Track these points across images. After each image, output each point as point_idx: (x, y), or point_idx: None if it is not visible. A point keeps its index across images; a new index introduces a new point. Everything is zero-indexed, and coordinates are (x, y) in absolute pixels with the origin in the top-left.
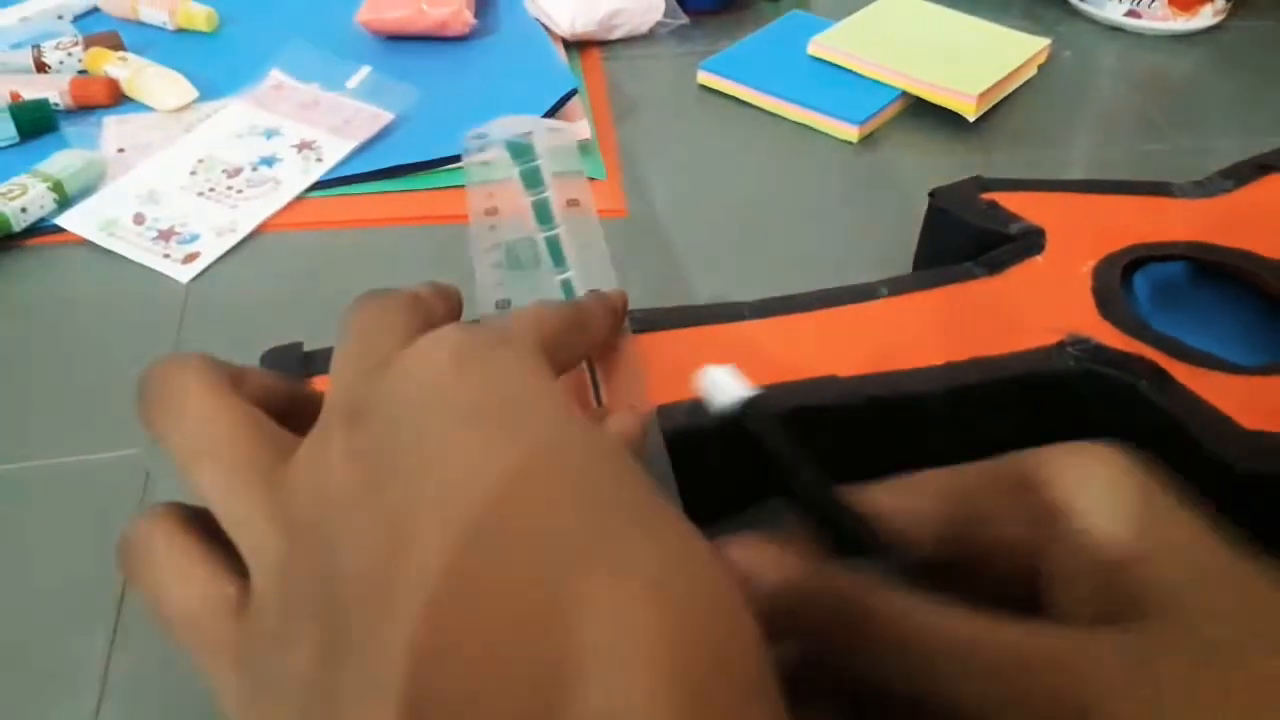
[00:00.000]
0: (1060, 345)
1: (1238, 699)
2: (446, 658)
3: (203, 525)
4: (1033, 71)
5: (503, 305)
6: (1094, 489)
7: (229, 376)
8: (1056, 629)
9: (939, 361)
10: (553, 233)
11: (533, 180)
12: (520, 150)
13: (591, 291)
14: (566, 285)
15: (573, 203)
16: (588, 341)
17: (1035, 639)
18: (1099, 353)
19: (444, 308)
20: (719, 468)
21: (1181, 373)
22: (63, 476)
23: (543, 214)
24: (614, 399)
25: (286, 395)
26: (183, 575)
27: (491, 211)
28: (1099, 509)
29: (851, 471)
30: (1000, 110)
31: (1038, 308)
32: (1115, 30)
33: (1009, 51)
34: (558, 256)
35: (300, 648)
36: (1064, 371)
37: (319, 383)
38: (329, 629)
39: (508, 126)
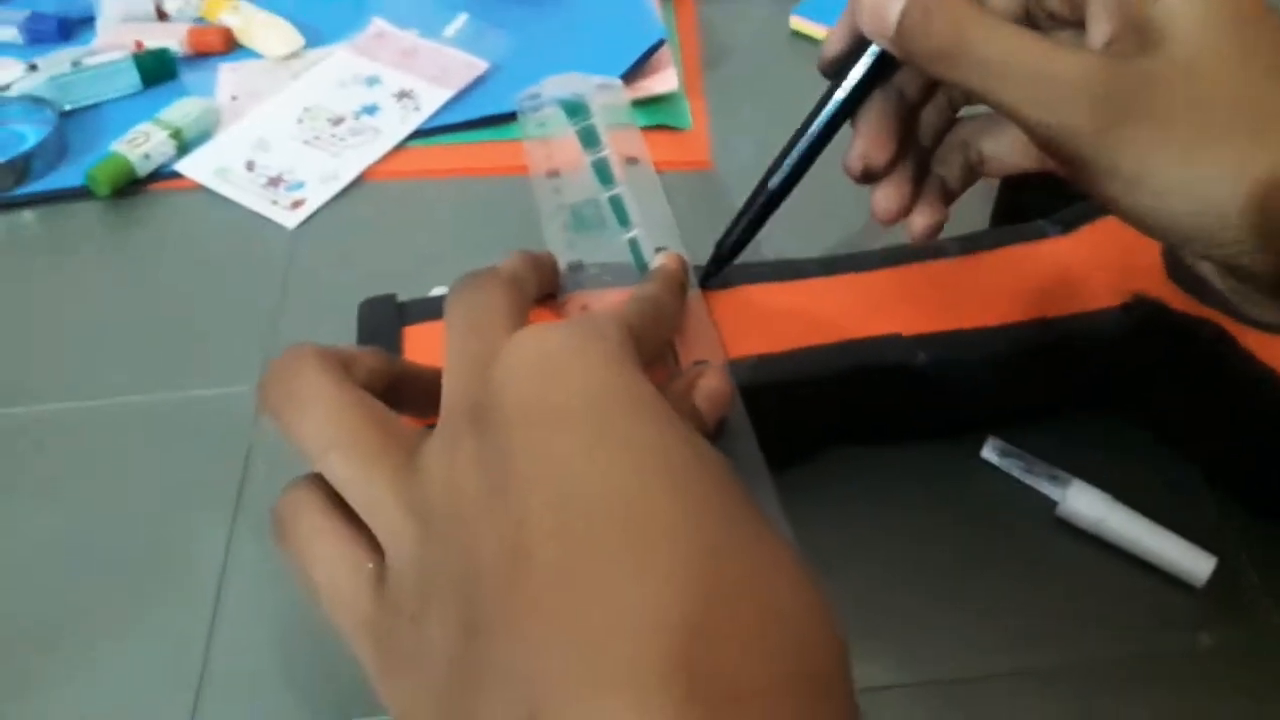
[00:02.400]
0: (1125, 307)
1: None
2: (555, 645)
3: (343, 502)
4: None
5: (575, 267)
6: None
7: (341, 364)
8: (1086, 56)
9: (1004, 321)
10: (615, 192)
11: (590, 139)
12: (574, 109)
13: (658, 250)
14: (633, 244)
15: (631, 160)
16: (668, 328)
17: (1068, 59)
18: (1162, 316)
19: (537, 279)
20: (782, 420)
21: (1248, 337)
22: (179, 408)
23: (603, 173)
24: (687, 355)
25: (389, 375)
26: (330, 547)
27: (553, 173)
28: None
29: (912, 428)
30: None
31: (1107, 268)
32: None
33: None
34: (622, 216)
35: (440, 627)
36: (1130, 333)
37: (413, 333)
38: (467, 615)
39: (560, 85)
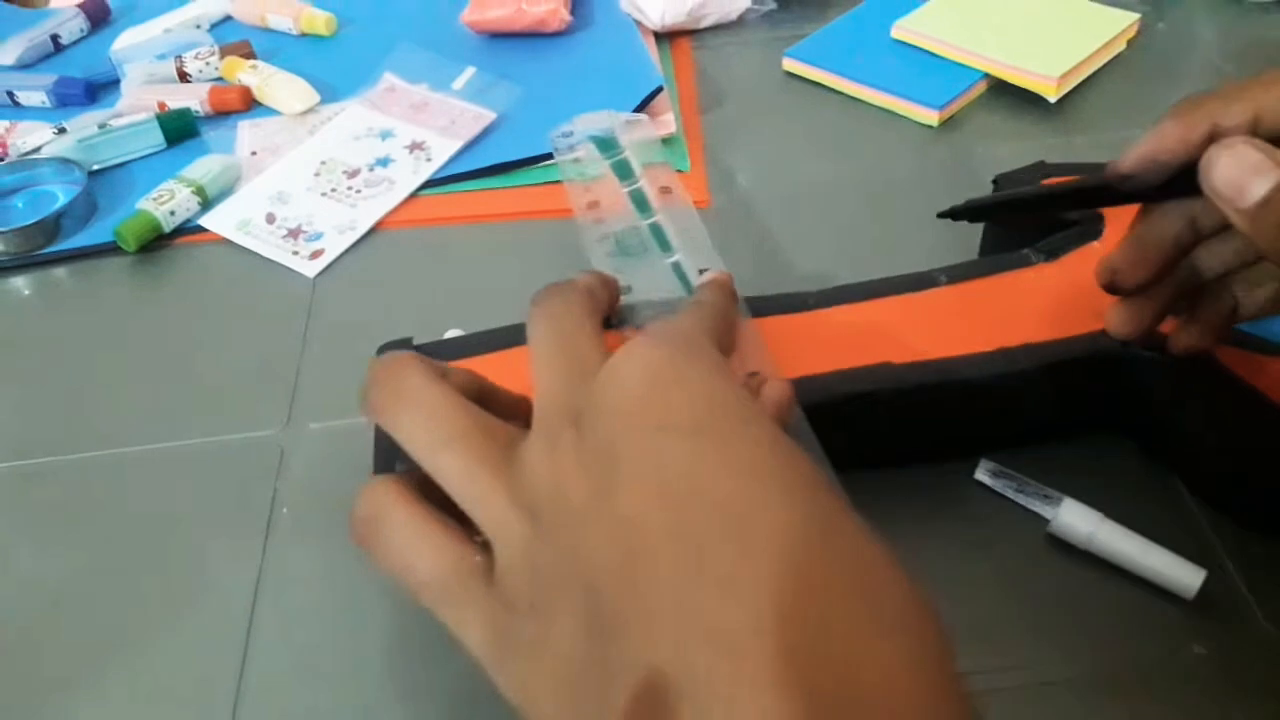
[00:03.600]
0: (1105, 330)
1: None
2: (683, 644)
3: (425, 498)
4: (1121, 47)
5: (625, 290)
6: None
7: (440, 372)
8: None
9: (993, 347)
10: (653, 219)
11: (624, 172)
12: (606, 144)
13: (702, 272)
14: (677, 268)
15: (665, 190)
16: (731, 336)
17: None
18: (1144, 338)
19: (608, 295)
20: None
21: (1226, 354)
22: (208, 453)
23: (640, 203)
24: (740, 367)
25: (476, 388)
26: (433, 544)
27: (593, 205)
28: None
29: (907, 451)
30: (1086, 88)
31: (1091, 293)
32: None
33: (1094, 29)
34: (663, 242)
35: (560, 621)
36: (1109, 355)
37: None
38: (587, 609)
39: (590, 122)
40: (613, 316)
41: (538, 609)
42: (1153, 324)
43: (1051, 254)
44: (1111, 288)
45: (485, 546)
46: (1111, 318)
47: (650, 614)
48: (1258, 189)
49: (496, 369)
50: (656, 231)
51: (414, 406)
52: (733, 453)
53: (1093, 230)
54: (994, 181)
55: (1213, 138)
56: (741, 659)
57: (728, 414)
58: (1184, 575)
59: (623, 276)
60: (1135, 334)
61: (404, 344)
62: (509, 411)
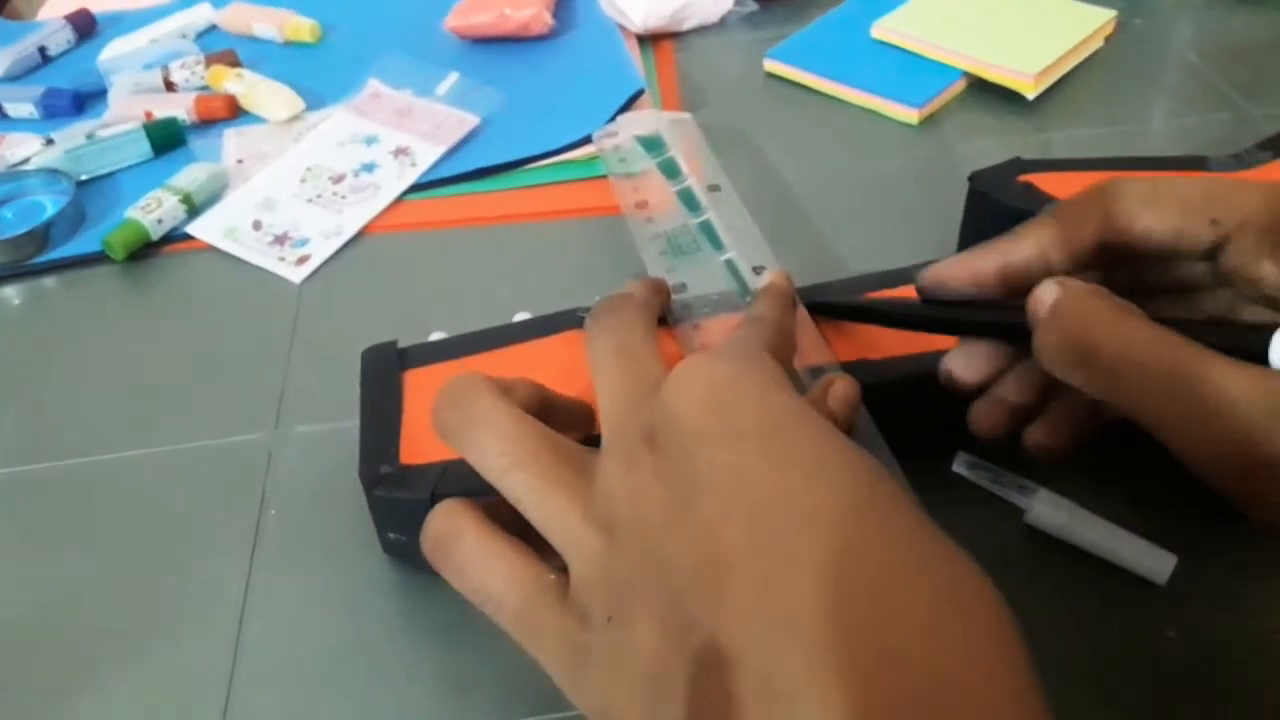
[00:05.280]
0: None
1: None
2: (757, 630)
3: (494, 520)
4: (1099, 44)
5: (679, 288)
6: None
7: (505, 391)
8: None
9: None
10: (703, 218)
11: (671, 171)
12: (651, 144)
13: (755, 269)
14: (730, 265)
15: (713, 188)
16: (791, 345)
17: (1222, 374)
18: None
19: (660, 302)
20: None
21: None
22: (197, 457)
23: (689, 201)
24: (801, 363)
25: (539, 400)
26: (507, 563)
27: (642, 205)
28: None
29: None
30: (1064, 85)
31: None
32: None
33: (1071, 26)
34: (714, 240)
35: (640, 629)
36: None
37: (413, 377)
38: (669, 615)
39: (634, 122)
40: (668, 316)
41: (616, 621)
42: (1012, 424)
43: None
44: (950, 385)
45: (558, 568)
46: (972, 418)
47: (728, 611)
48: (1047, 295)
49: (484, 370)
50: (707, 229)
51: (486, 429)
52: (799, 458)
53: None
54: (970, 178)
55: (1003, 271)
56: (805, 643)
57: (790, 422)
58: (1155, 562)
59: (676, 274)
60: (990, 434)
61: (389, 347)
62: (571, 419)
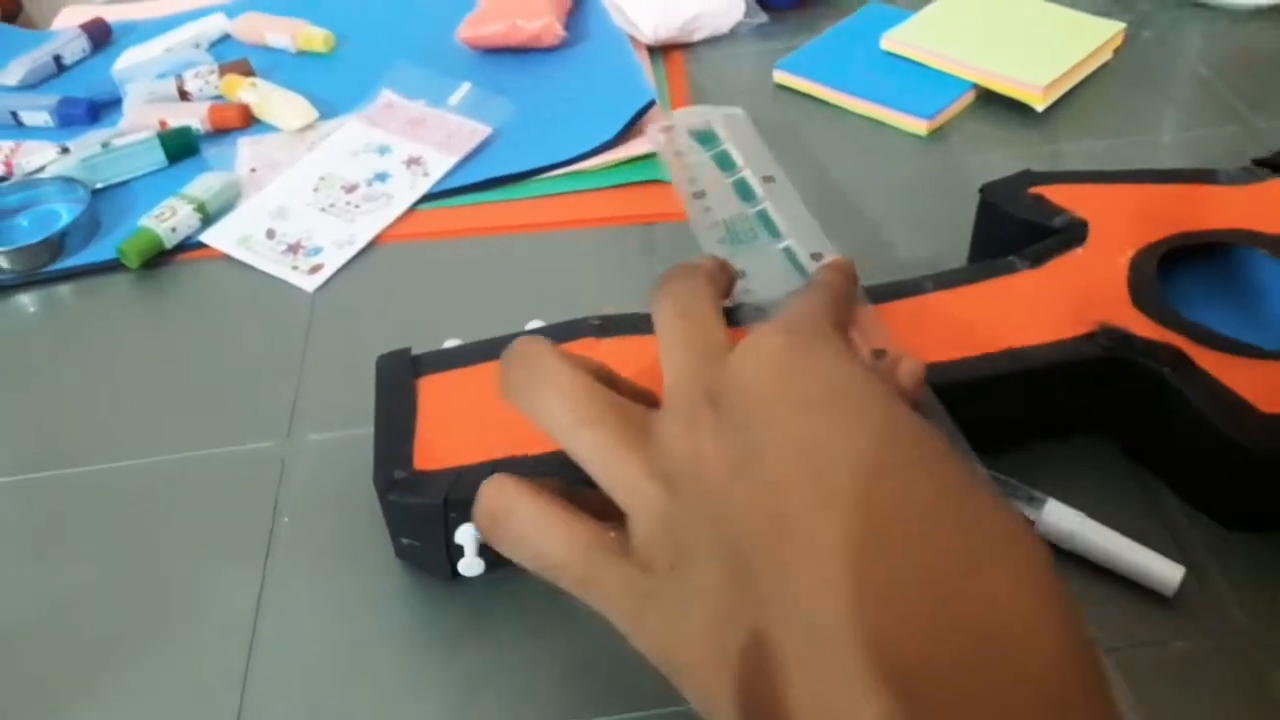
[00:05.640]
0: (1090, 335)
1: None
2: (841, 585)
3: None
4: (1108, 56)
5: (741, 275)
6: None
7: (571, 357)
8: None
9: (978, 352)
10: (759, 208)
11: (726, 163)
12: (705, 138)
13: (813, 256)
14: (788, 252)
15: (768, 179)
16: (852, 310)
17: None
18: (1126, 342)
19: (726, 279)
20: None
21: (1207, 359)
22: (211, 465)
23: (745, 192)
24: (863, 347)
25: (605, 377)
26: (566, 527)
27: (699, 195)
28: None
29: None
30: (1073, 97)
31: (1076, 299)
32: (1199, 6)
33: (1080, 38)
34: (772, 228)
35: (704, 573)
36: (1093, 360)
37: (427, 384)
38: (733, 565)
39: (689, 117)
40: (734, 315)
41: (679, 568)
42: None
43: (1036, 260)
44: None
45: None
46: None
47: (785, 565)
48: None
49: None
50: (764, 218)
51: (552, 388)
52: (867, 425)
53: (1078, 236)
54: (981, 190)
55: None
56: (868, 601)
57: (857, 390)
58: (1164, 572)
59: (735, 262)
60: None
61: (403, 354)
62: (634, 399)
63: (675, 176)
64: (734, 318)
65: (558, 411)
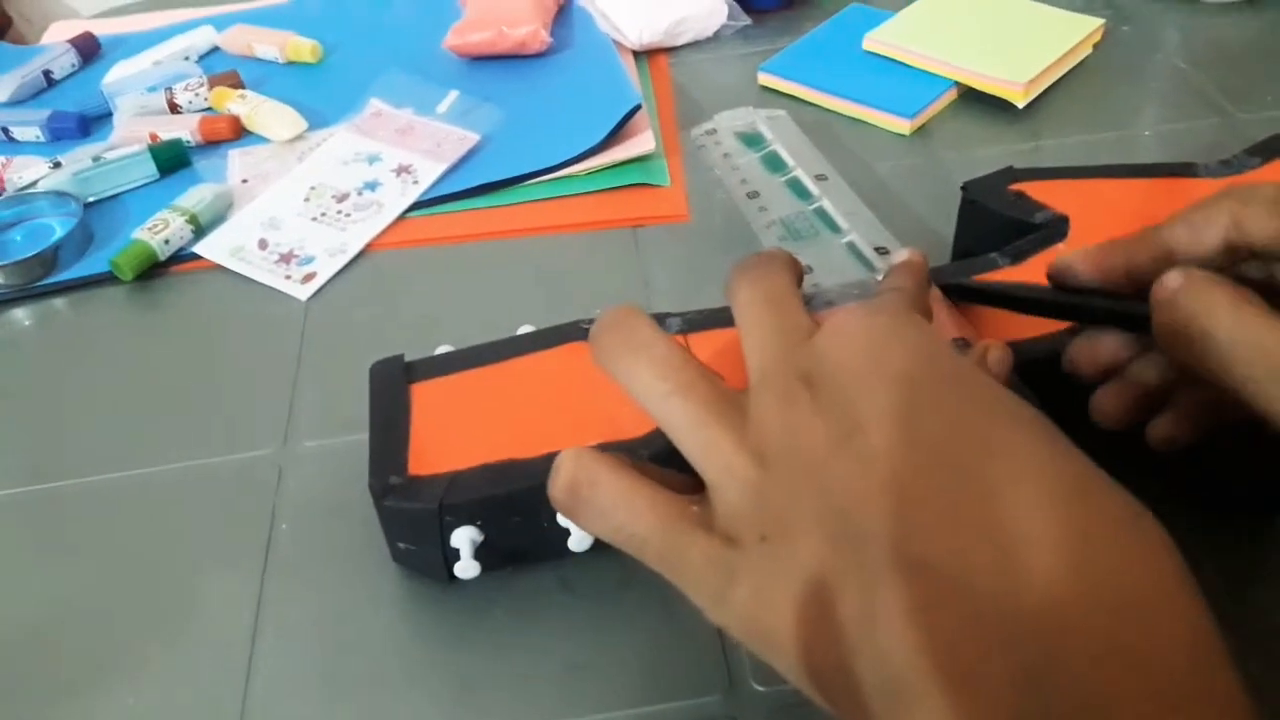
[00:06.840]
0: (1071, 329)
1: None
2: (929, 559)
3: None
4: (1087, 51)
5: (807, 270)
6: None
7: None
8: None
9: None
10: (816, 205)
11: (775, 164)
12: (752, 140)
13: (878, 249)
14: (851, 247)
15: (820, 177)
16: (930, 314)
17: None
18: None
19: (799, 269)
20: None
21: None
22: (207, 474)
23: (799, 190)
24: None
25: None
26: (648, 500)
27: (753, 195)
28: None
29: None
30: (1054, 93)
31: None
32: (1177, 0)
33: (1059, 34)
34: (831, 224)
35: (802, 542)
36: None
37: (420, 390)
38: (837, 532)
39: (732, 119)
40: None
41: (771, 539)
42: (1136, 411)
43: (1017, 257)
44: (1074, 376)
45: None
46: (1094, 404)
47: (900, 525)
48: (1171, 280)
49: (490, 382)
50: (822, 215)
51: (645, 356)
52: (974, 397)
53: (1057, 233)
54: (963, 188)
55: (1130, 269)
56: (995, 590)
57: (949, 367)
58: None
59: (801, 258)
60: (1115, 423)
61: (396, 361)
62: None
63: (726, 178)
64: (808, 307)
65: (650, 379)
